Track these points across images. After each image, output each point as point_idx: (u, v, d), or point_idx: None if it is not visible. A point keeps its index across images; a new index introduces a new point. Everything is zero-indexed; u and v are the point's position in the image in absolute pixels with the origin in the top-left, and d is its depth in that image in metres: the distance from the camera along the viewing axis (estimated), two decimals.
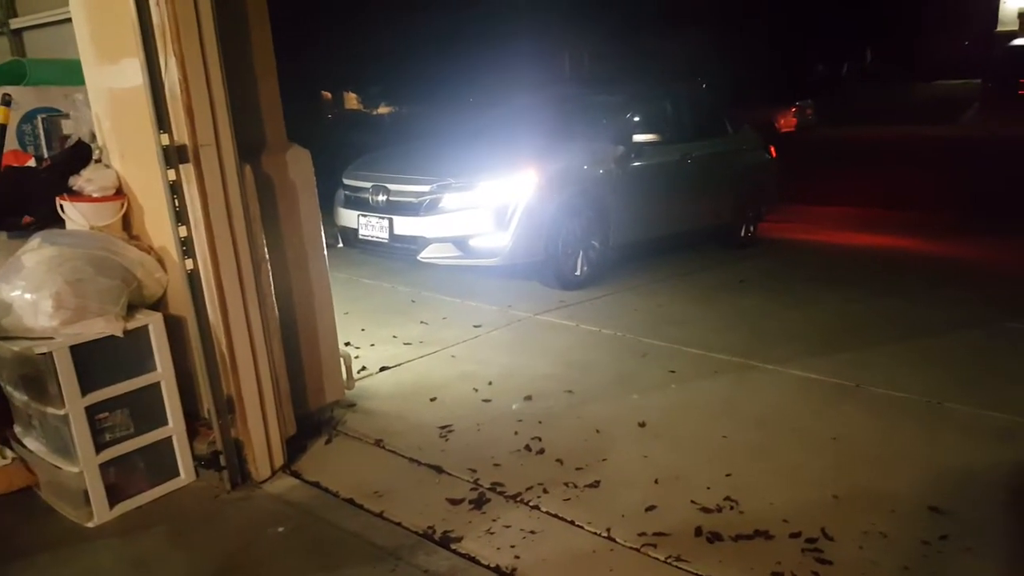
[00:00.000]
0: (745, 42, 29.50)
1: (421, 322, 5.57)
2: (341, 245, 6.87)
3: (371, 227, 6.46)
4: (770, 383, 4.41)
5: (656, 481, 3.28)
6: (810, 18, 32.72)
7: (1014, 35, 32.27)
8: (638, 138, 6.94)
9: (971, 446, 3.60)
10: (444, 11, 23.48)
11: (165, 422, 3.22)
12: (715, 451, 3.58)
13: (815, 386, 4.35)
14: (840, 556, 2.75)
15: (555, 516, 3.03)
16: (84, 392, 2.92)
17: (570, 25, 27.32)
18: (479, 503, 3.13)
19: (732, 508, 3.07)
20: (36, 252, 2.95)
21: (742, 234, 8.57)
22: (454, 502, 3.14)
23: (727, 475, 3.32)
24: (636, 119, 7.30)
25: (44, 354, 2.82)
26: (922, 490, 3.18)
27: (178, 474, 3.30)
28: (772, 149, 9.16)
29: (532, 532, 2.93)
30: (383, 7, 22.92)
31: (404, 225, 6.26)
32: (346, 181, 6.86)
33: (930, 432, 3.75)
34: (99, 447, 3.01)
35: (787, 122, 23.32)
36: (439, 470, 3.41)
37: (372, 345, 5.05)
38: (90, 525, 3.03)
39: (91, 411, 2.96)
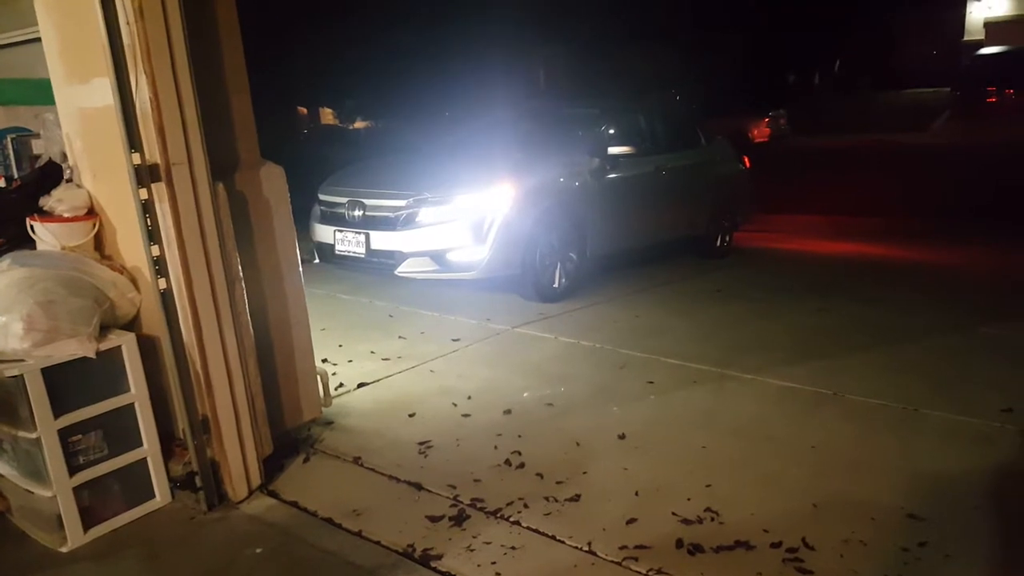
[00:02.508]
0: (717, 54, 29.80)
1: (399, 337, 5.54)
2: (317, 261, 6.84)
3: (348, 242, 6.43)
4: (748, 392, 4.42)
5: (637, 493, 3.28)
6: (781, 29, 33.10)
7: (980, 44, 32.84)
8: (613, 150, 6.98)
9: (948, 452, 3.63)
10: (420, 26, 23.54)
11: (140, 443, 3.17)
12: (695, 462, 3.58)
13: (793, 395, 4.37)
14: (821, 565, 2.75)
15: (536, 531, 3.02)
16: (56, 415, 2.88)
17: (545, 40, 27.48)
18: (459, 520, 3.11)
19: (713, 519, 3.07)
20: (6, 274, 2.91)
21: (717, 244, 8.64)
22: (434, 519, 3.12)
23: (707, 486, 3.32)
24: (611, 132, 7.35)
25: (15, 377, 2.78)
26: (901, 497, 3.19)
27: (153, 496, 3.25)
28: (746, 160, 9.24)
29: (513, 548, 2.91)
30: (359, 22, 22.93)
31: (381, 240, 6.24)
32: (322, 196, 6.83)
33: (907, 439, 3.78)
34: (72, 470, 2.97)
35: (760, 132, 23.55)
36: (418, 487, 3.39)
37: (350, 361, 5.01)
38: (64, 550, 2.98)
39: (64, 434, 2.92)
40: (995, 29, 34.48)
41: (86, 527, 3.03)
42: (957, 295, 6.75)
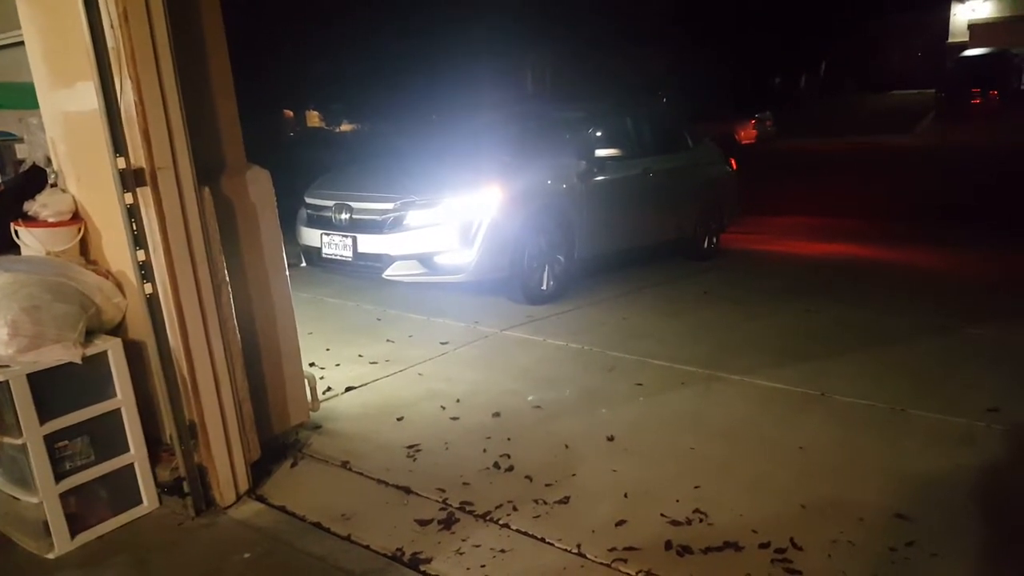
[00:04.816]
0: (704, 56, 29.90)
1: (387, 340, 5.53)
2: (304, 264, 6.82)
3: (334, 245, 6.42)
4: (736, 394, 4.44)
5: (625, 495, 3.28)
6: (768, 32, 33.25)
7: (964, 46, 33.10)
8: (600, 153, 7.01)
9: (934, 452, 3.65)
10: (407, 29, 23.53)
11: (126, 449, 3.15)
12: (683, 463, 3.59)
13: (780, 396, 4.38)
14: (809, 566, 2.76)
15: (525, 534, 3.02)
16: (42, 420, 2.86)
17: (532, 44, 27.53)
18: (448, 523, 3.11)
19: (701, 520, 3.08)
20: None
21: (704, 246, 8.66)
22: (423, 523, 3.11)
23: (696, 487, 3.32)
24: (598, 134, 7.36)
25: (0, 383, 2.76)
26: (888, 497, 3.21)
27: (141, 501, 3.23)
28: (733, 162, 9.27)
29: (502, 551, 2.91)
30: (346, 25, 22.91)
31: (368, 243, 6.22)
32: (308, 200, 6.81)
33: (894, 439, 3.80)
34: (59, 476, 2.94)
35: (747, 134, 23.63)
36: (407, 491, 3.38)
37: (337, 365, 5.00)
38: (50, 557, 2.96)
39: (50, 440, 2.90)
40: (979, 30, 34.74)
41: (73, 533, 3.01)
42: (943, 296, 6.79)
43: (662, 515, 3.11)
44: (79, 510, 3.03)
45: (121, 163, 2.83)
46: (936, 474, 3.44)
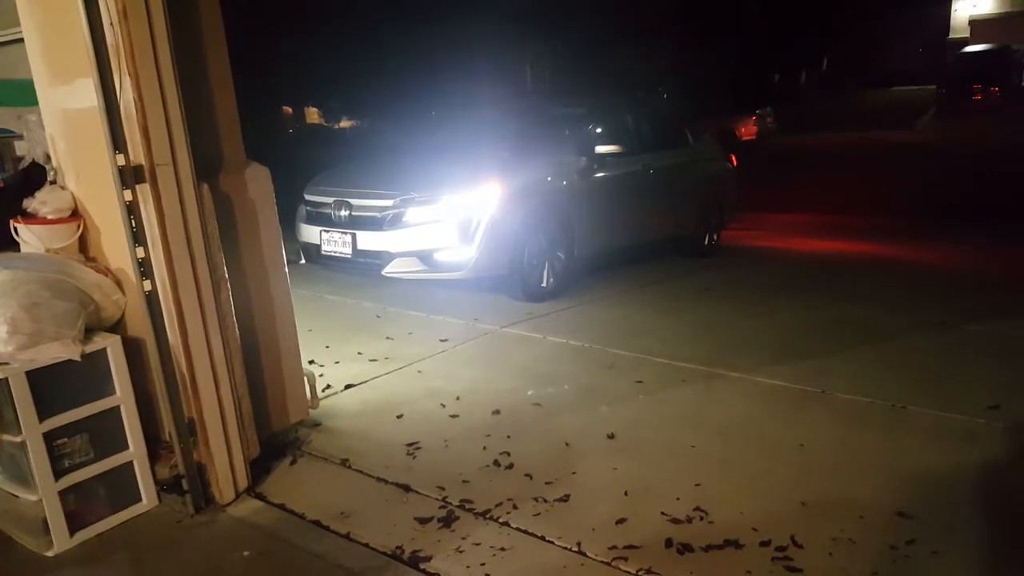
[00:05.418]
0: (705, 54, 29.88)
1: (387, 338, 5.52)
2: (304, 261, 6.81)
3: (334, 243, 6.41)
4: (736, 391, 4.43)
5: (626, 493, 3.27)
6: (769, 29, 33.23)
7: (965, 42, 33.10)
8: (600, 150, 7.00)
9: (935, 449, 3.64)
10: (406, 25, 23.49)
11: (125, 446, 3.15)
12: (684, 461, 3.58)
13: (780, 393, 4.38)
14: (810, 563, 2.75)
15: (525, 532, 3.01)
16: (42, 418, 2.85)
17: (532, 40, 27.49)
18: (448, 521, 3.10)
19: (702, 518, 3.07)
20: None
21: (705, 243, 8.66)
22: (422, 521, 3.11)
23: (696, 485, 3.32)
24: (598, 131, 7.35)
25: None
26: (889, 495, 3.20)
27: (140, 499, 3.23)
28: (733, 158, 9.27)
29: (502, 549, 2.90)
30: (345, 21, 22.87)
31: (368, 240, 6.22)
32: (308, 197, 6.80)
33: (895, 436, 3.79)
34: (58, 474, 2.94)
35: (748, 130, 23.67)
36: (407, 488, 3.38)
37: (337, 362, 4.99)
38: (50, 554, 2.96)
39: (49, 437, 2.89)
40: (980, 26, 34.73)
41: (72, 531, 3.01)
42: (943, 292, 6.79)
43: (662, 513, 3.10)
44: (78, 508, 3.03)
45: (120, 160, 2.82)
46: (937, 471, 3.43)
